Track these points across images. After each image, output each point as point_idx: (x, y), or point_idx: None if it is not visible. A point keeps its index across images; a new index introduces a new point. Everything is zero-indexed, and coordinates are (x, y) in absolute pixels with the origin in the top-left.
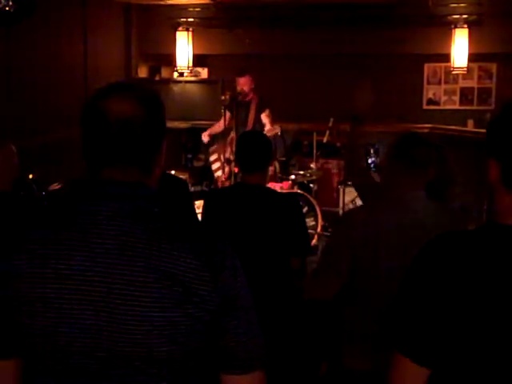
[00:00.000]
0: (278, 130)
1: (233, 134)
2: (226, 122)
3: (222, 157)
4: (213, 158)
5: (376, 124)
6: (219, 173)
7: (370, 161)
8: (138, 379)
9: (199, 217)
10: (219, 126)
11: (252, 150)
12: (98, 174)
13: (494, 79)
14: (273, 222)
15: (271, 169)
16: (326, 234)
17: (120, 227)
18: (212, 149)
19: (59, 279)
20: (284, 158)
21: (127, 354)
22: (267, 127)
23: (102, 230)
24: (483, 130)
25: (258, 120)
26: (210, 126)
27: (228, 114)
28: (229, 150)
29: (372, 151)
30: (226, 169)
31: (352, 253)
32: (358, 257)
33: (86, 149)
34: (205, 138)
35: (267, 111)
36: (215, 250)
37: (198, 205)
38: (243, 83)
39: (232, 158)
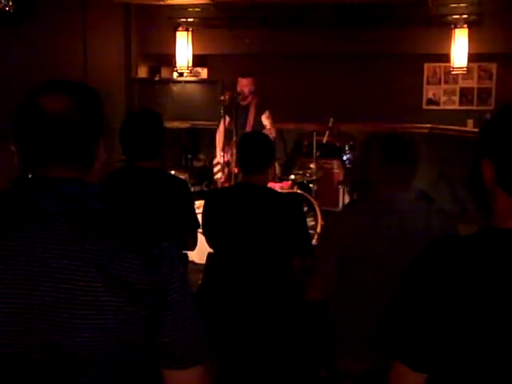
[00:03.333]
0: (273, 134)
1: (234, 137)
2: (226, 125)
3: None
4: (215, 161)
5: (376, 124)
6: (219, 175)
7: (345, 157)
8: (80, 380)
9: (199, 217)
10: (220, 133)
11: (254, 151)
12: (36, 172)
13: (494, 79)
14: (275, 222)
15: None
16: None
17: (58, 224)
18: (216, 152)
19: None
20: (284, 158)
21: (63, 349)
22: (267, 128)
23: (39, 229)
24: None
25: (257, 122)
26: (210, 126)
27: (227, 118)
28: (229, 152)
29: (347, 148)
30: (226, 170)
31: (340, 256)
32: (348, 259)
33: (22, 147)
34: (220, 157)
35: (267, 113)
36: (153, 244)
37: (198, 205)
38: (244, 84)
39: (231, 160)
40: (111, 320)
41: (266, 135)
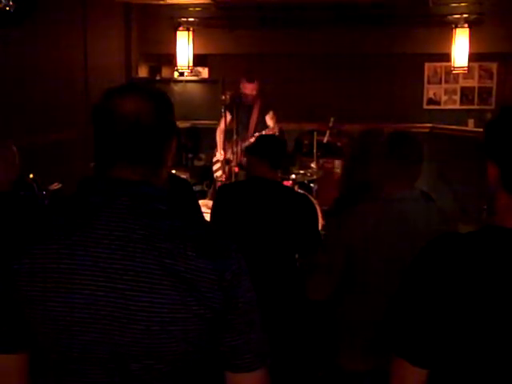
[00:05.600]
0: (276, 130)
1: (235, 136)
2: (227, 123)
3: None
4: (215, 158)
5: (376, 124)
6: (218, 173)
7: None
8: (143, 377)
9: (206, 215)
10: (221, 131)
11: (274, 147)
12: (106, 173)
13: (495, 79)
14: (287, 216)
15: None
16: (325, 233)
17: (126, 225)
18: (216, 150)
19: (64, 276)
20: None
21: (132, 349)
22: (270, 127)
23: (108, 228)
24: (483, 130)
25: (260, 122)
26: (210, 125)
27: (229, 116)
28: (229, 150)
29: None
30: (226, 169)
31: (344, 254)
32: (352, 258)
33: (96, 148)
34: (221, 155)
35: (271, 113)
36: (221, 249)
37: (200, 204)
38: (251, 89)
39: (232, 158)
40: (184, 328)
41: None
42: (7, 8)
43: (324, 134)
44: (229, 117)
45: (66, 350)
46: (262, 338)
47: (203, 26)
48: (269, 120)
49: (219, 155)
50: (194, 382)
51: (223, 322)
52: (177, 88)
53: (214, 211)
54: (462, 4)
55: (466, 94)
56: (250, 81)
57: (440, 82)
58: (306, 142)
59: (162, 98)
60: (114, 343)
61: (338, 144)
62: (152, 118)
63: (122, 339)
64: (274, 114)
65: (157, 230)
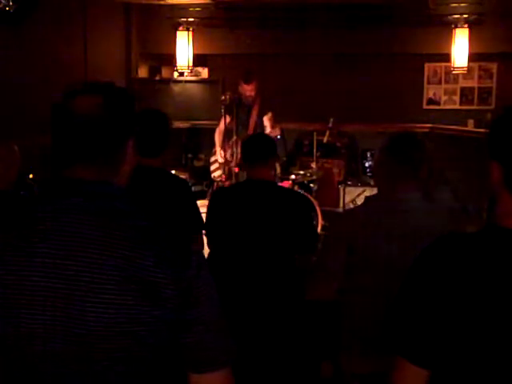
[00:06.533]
0: (278, 133)
1: (235, 136)
2: (227, 124)
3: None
4: (213, 158)
5: (376, 124)
6: (217, 173)
7: (367, 164)
8: (101, 378)
9: (203, 216)
10: (220, 132)
11: (256, 142)
12: (64, 173)
13: (495, 79)
14: (282, 217)
15: None
16: (326, 233)
17: (82, 225)
18: (214, 150)
19: (19, 276)
20: (285, 158)
21: (89, 351)
22: (268, 130)
23: (63, 228)
24: (483, 130)
25: (260, 121)
26: (210, 125)
27: (228, 117)
28: (229, 151)
29: (369, 155)
30: (226, 169)
31: (345, 254)
32: (356, 258)
33: (53, 148)
34: (221, 157)
35: (270, 114)
36: (179, 247)
37: (199, 205)
38: (250, 90)
39: (231, 158)
40: (142, 328)
41: (267, 134)
42: (7, 8)
43: (324, 134)
44: (228, 117)
45: (22, 351)
46: (224, 339)
47: (203, 25)
48: (266, 121)
49: (218, 155)
50: (156, 383)
51: (182, 324)
52: (177, 88)
53: (208, 216)
54: (462, 4)
55: (465, 94)
56: (248, 82)
57: (440, 82)
58: (305, 142)
59: (120, 96)
60: (72, 345)
61: (338, 144)
62: (107, 117)
63: (80, 340)
64: (273, 115)
65: (114, 231)
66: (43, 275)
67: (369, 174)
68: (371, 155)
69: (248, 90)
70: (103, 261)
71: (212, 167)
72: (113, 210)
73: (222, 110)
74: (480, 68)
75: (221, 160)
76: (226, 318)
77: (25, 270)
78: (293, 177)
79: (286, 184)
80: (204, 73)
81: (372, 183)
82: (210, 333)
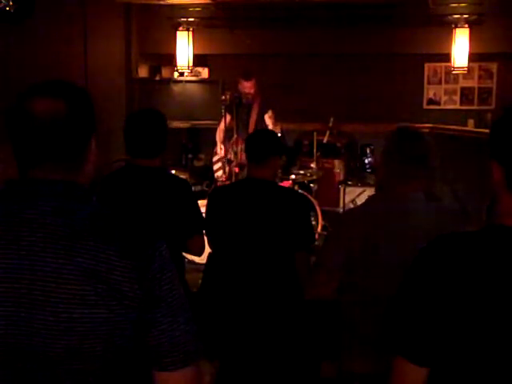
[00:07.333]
0: (278, 131)
1: (235, 136)
2: (227, 123)
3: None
4: (215, 158)
5: (376, 124)
6: (219, 173)
7: (366, 161)
8: (63, 377)
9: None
10: (221, 130)
11: (258, 139)
12: (26, 174)
13: (495, 79)
14: (279, 215)
15: None
16: (326, 233)
17: (43, 225)
18: (216, 149)
19: None
20: (285, 158)
21: (49, 350)
22: (270, 128)
23: (24, 228)
24: (484, 130)
25: (260, 121)
26: (210, 125)
27: (228, 116)
28: (230, 150)
29: (368, 151)
30: (227, 169)
31: (348, 254)
32: (356, 258)
33: (14, 149)
34: (221, 150)
35: (270, 112)
36: (142, 246)
37: (200, 205)
38: (250, 87)
39: (233, 158)
40: (97, 322)
41: (272, 131)
42: (7, 8)
43: (324, 134)
44: (228, 117)
45: None
46: (190, 336)
47: (203, 26)
48: (267, 119)
49: (220, 152)
50: (122, 382)
51: (146, 321)
52: (177, 88)
53: (207, 216)
54: (462, 4)
55: (465, 94)
56: (247, 79)
57: (440, 82)
58: (305, 142)
59: (78, 95)
60: (28, 343)
61: (338, 144)
62: (67, 116)
63: (43, 341)
64: (273, 113)
65: (78, 230)
66: (15, 277)
67: (368, 171)
68: (371, 151)
69: (247, 86)
70: (64, 260)
71: (215, 167)
72: (76, 210)
73: (223, 110)
74: (480, 68)
75: (220, 153)
76: (192, 311)
77: None
78: (293, 177)
79: (286, 184)
80: (204, 73)
81: (372, 182)
82: (177, 329)
